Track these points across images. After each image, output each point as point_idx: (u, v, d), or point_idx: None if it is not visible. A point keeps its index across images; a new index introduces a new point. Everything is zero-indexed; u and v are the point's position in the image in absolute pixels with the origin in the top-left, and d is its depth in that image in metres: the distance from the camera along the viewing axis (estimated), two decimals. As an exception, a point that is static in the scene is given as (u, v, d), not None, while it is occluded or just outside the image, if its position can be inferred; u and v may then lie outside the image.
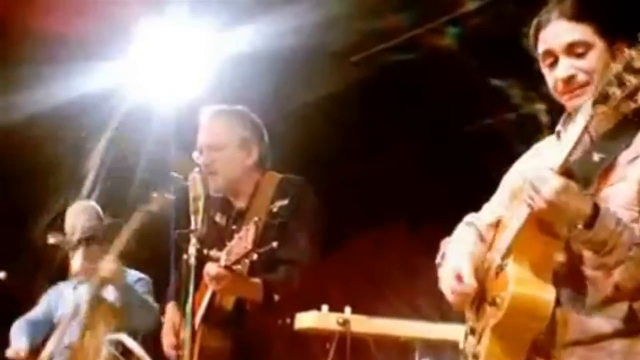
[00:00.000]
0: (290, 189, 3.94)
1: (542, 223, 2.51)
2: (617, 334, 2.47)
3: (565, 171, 2.43)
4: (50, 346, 4.95)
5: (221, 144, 4.00)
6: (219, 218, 4.08)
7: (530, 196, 2.45)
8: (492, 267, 2.62)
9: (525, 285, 2.50)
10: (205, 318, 3.79)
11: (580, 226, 2.41)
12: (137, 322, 4.75)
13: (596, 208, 2.41)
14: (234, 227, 3.85)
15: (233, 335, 3.81)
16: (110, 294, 4.85)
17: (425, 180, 5.80)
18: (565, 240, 2.52)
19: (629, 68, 2.25)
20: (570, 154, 2.42)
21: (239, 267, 3.58)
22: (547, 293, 2.49)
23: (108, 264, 4.71)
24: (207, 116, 4.08)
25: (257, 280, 3.72)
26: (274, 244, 3.55)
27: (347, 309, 4.21)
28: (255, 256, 3.49)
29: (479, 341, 2.63)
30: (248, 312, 3.81)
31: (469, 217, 2.89)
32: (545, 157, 2.59)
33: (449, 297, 2.68)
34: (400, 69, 5.48)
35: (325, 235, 3.93)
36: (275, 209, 3.86)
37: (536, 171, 2.47)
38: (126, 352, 4.14)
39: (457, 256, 2.70)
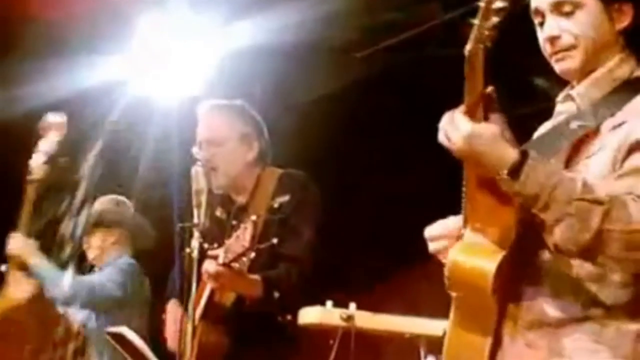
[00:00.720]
0: (291, 184, 3.92)
1: (485, 183, 2.29)
2: (579, 319, 2.27)
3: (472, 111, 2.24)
4: None
5: (221, 139, 3.98)
6: (219, 213, 4.07)
7: (445, 145, 2.28)
8: None
9: (466, 253, 2.32)
10: (204, 314, 3.77)
11: (505, 175, 2.20)
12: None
13: (524, 156, 2.21)
14: (234, 222, 3.84)
15: (232, 332, 3.79)
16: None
17: (431, 174, 5.78)
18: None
19: None
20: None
21: (236, 264, 3.57)
22: (487, 262, 2.27)
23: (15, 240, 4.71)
24: (207, 111, 4.06)
25: (256, 276, 3.70)
26: (274, 240, 3.54)
27: (352, 305, 4.19)
28: (252, 254, 3.49)
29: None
30: (247, 309, 3.80)
31: None
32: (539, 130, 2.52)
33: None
34: (403, 64, 5.47)
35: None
36: (276, 205, 3.84)
37: (449, 117, 2.29)
38: (127, 344, 4.14)
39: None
